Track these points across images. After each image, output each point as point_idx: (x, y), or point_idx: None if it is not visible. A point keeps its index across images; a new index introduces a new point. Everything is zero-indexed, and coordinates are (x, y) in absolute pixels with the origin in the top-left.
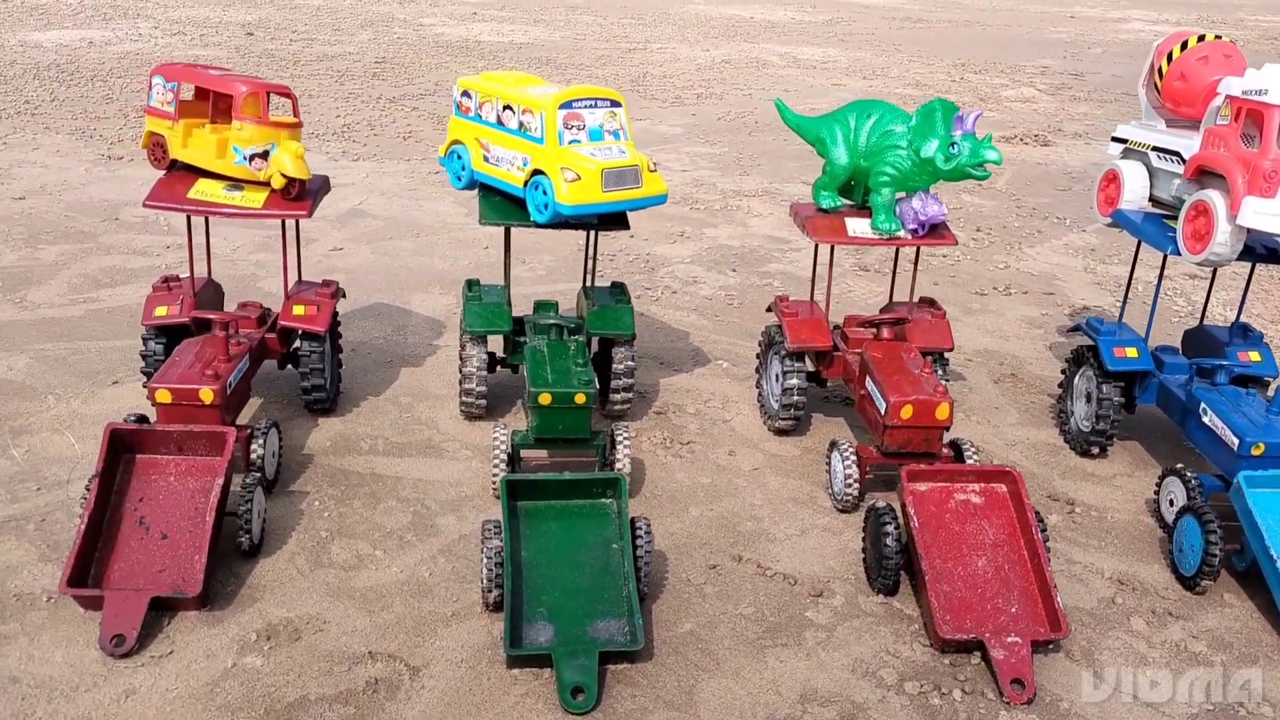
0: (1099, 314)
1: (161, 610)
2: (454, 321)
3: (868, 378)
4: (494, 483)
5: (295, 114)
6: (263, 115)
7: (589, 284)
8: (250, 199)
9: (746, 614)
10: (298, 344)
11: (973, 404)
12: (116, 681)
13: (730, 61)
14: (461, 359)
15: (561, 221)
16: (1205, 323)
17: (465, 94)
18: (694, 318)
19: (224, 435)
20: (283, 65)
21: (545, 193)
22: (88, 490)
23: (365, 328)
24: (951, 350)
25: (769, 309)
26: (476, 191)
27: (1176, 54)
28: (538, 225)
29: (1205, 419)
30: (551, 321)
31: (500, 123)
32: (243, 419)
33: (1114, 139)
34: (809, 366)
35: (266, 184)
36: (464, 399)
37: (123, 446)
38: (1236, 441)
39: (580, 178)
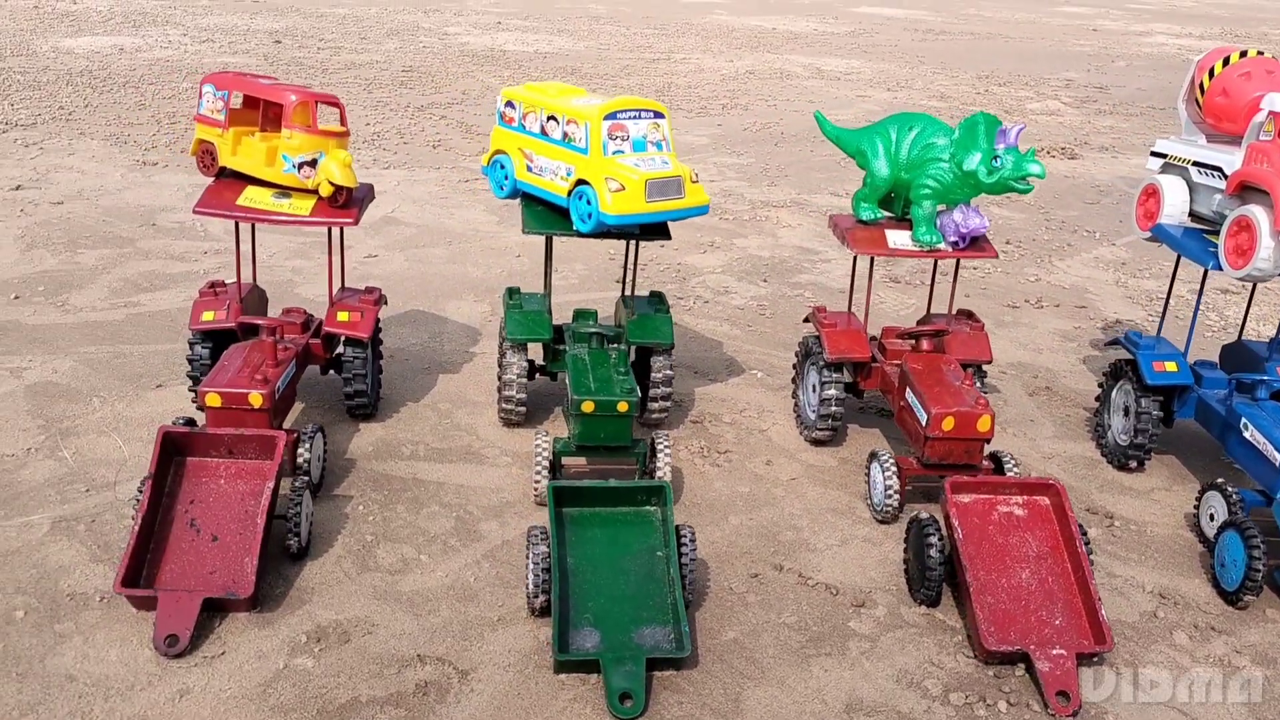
0: (1132, 328)
1: (212, 611)
2: (489, 329)
3: (908, 389)
4: (535, 489)
5: (343, 123)
6: (312, 124)
7: (628, 293)
8: (298, 206)
9: (789, 623)
10: (341, 349)
11: (1008, 416)
12: (171, 681)
13: (754, 72)
14: (501, 366)
15: (604, 231)
16: (1243, 338)
17: (509, 104)
18: (727, 327)
19: (274, 439)
20: (310, 73)
21: (589, 203)
22: (140, 492)
23: (402, 334)
24: (990, 362)
25: (806, 319)
26: (518, 201)
27: (1219, 70)
28: (580, 235)
29: (1246, 434)
30: (592, 330)
31: (544, 133)
32: (286, 424)
33: (1153, 154)
34: (847, 377)
35: (314, 191)
36: (503, 406)
37: (174, 449)
38: (1279, 457)
39: (624, 188)
